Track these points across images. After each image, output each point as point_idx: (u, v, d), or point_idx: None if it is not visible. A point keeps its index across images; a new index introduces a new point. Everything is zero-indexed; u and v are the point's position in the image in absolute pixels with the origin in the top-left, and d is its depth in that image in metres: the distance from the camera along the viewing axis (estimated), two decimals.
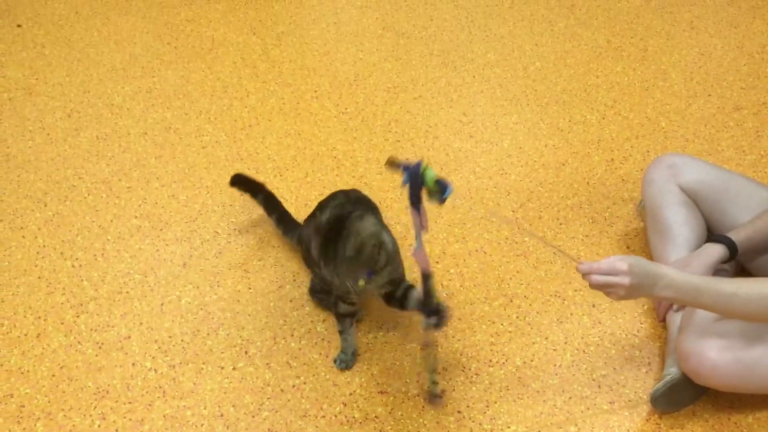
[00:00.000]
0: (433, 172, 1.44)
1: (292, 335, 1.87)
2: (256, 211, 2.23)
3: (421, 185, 1.45)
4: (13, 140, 2.49)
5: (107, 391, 1.75)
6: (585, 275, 1.45)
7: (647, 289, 1.44)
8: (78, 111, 2.63)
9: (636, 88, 2.75)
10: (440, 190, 1.44)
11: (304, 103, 2.69)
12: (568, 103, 2.68)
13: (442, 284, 2.01)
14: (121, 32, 3.06)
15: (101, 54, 2.93)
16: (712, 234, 1.91)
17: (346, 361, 1.80)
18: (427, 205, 1.49)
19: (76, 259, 2.08)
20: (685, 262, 1.80)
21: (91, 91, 2.72)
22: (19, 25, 3.08)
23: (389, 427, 1.68)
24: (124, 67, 2.85)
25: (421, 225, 1.52)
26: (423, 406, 1.72)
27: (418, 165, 1.44)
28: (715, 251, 1.77)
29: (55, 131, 2.54)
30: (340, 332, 1.79)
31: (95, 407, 1.71)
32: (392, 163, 1.48)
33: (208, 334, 1.88)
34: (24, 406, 1.72)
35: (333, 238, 1.66)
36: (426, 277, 1.58)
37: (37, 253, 2.10)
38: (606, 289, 1.44)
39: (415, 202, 1.48)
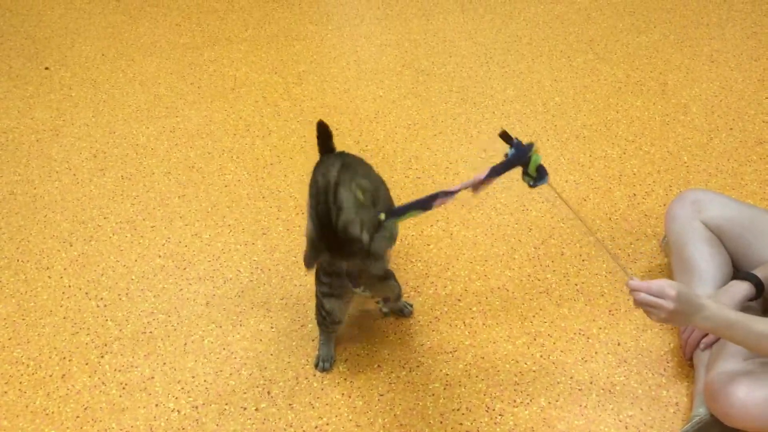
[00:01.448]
0: (539, 159, 1.55)
1: (315, 375, 1.87)
2: (278, 249, 2.24)
3: (526, 164, 1.55)
4: (39, 181, 2.54)
5: None
6: (633, 291, 1.49)
7: (687, 318, 1.48)
8: (103, 151, 2.68)
9: (656, 122, 2.75)
10: (537, 177, 1.56)
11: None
12: (588, 138, 2.68)
13: (464, 322, 2.00)
14: (146, 73, 3.12)
15: (126, 95, 2.98)
16: (738, 271, 1.88)
17: (328, 361, 1.87)
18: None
19: (101, 299, 2.10)
20: (712, 299, 1.77)
21: (116, 132, 2.77)
22: (47, 68, 3.16)
23: None
24: (149, 107, 2.91)
25: (474, 186, 1.58)
26: None
27: (530, 146, 1.55)
28: (742, 288, 1.75)
29: (81, 171, 2.58)
30: (322, 343, 1.86)
31: None
32: (505, 136, 1.57)
33: (230, 374, 1.88)
34: None
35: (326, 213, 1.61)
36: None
37: (63, 293, 2.12)
38: (649, 308, 1.48)
39: (497, 172, 1.56)
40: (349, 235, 1.51)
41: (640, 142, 2.65)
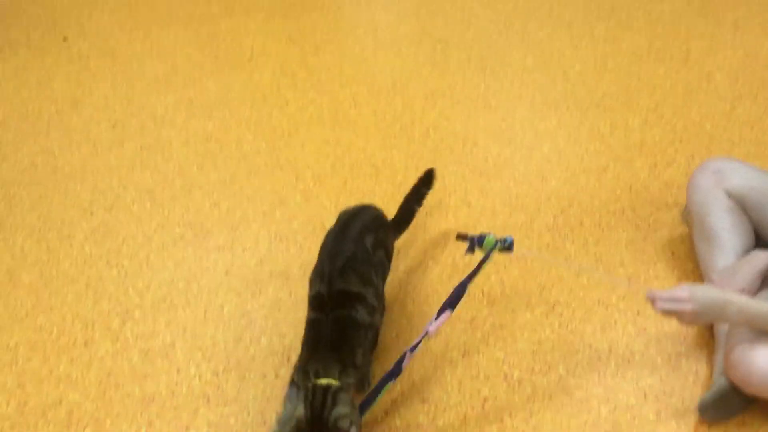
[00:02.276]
0: (492, 240, 1.75)
1: None
2: (296, 218, 2.25)
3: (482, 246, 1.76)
4: (60, 152, 2.56)
5: (153, 398, 1.78)
6: (651, 302, 1.54)
7: (717, 315, 1.52)
8: (122, 122, 2.69)
9: (679, 90, 2.71)
10: (499, 245, 1.75)
11: (342, 111, 2.71)
12: (609, 108, 2.64)
13: (482, 291, 2.00)
14: (163, 44, 3.12)
15: (144, 65, 2.99)
16: (760, 240, 1.86)
17: None
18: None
19: (122, 267, 2.12)
20: (733, 269, 1.76)
21: (134, 103, 2.78)
22: (65, 39, 3.16)
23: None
24: (166, 78, 2.91)
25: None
26: (465, 415, 1.71)
27: (481, 237, 1.77)
28: (764, 258, 1.73)
29: (100, 142, 2.59)
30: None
31: (142, 414, 1.74)
32: (461, 237, 1.79)
33: (250, 341, 1.90)
34: (73, 413, 1.75)
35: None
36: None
37: (84, 261, 2.14)
38: (673, 315, 1.53)
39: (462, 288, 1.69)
40: (340, 430, 1.47)
41: (662, 111, 2.61)
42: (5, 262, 2.15)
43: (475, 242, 1.77)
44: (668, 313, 1.53)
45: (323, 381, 1.51)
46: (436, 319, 1.65)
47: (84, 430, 1.72)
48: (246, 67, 2.95)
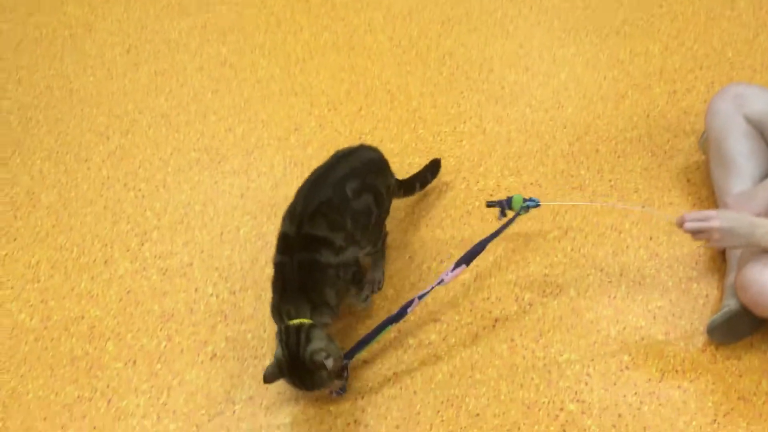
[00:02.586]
0: (519, 198, 1.75)
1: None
2: (311, 144, 2.25)
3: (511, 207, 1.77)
4: (75, 76, 2.56)
5: (172, 315, 1.83)
6: (680, 225, 1.56)
7: (745, 236, 1.54)
8: (136, 47, 2.67)
9: (701, 17, 2.64)
10: (526, 205, 1.75)
11: (357, 37, 2.67)
12: (629, 34, 2.59)
13: (496, 216, 2.01)
14: None
15: None
16: None
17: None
18: None
19: (139, 190, 2.15)
20: (749, 194, 1.75)
21: (148, 27, 2.76)
22: None
23: (443, 353, 1.71)
24: (180, 2, 2.87)
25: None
26: (476, 334, 1.75)
27: (509, 199, 1.77)
28: None
29: (115, 66, 2.59)
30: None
31: (161, 329, 1.80)
32: (491, 204, 1.79)
33: (266, 262, 1.93)
34: (95, 327, 1.81)
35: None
36: None
37: (102, 184, 2.17)
38: (700, 235, 1.55)
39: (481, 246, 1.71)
40: (316, 364, 1.49)
41: (683, 38, 2.55)
42: (24, 183, 2.18)
43: (504, 206, 1.77)
44: (696, 232, 1.55)
45: (295, 321, 1.54)
46: (452, 271, 1.66)
47: (106, 343, 1.77)
48: None
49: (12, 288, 1.90)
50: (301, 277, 1.57)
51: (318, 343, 1.51)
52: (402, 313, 1.65)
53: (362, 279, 1.73)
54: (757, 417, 1.58)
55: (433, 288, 1.66)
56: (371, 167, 1.78)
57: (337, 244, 1.62)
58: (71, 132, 2.34)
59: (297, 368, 1.50)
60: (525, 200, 1.76)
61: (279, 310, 1.58)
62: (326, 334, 1.56)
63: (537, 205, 1.76)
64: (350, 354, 1.64)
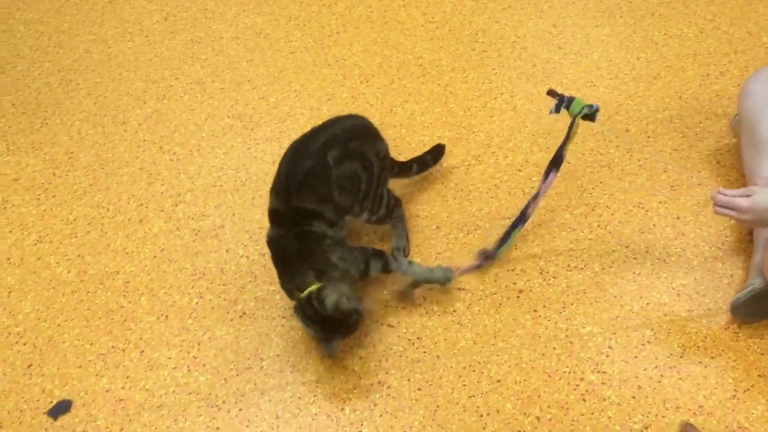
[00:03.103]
0: (580, 102, 1.73)
1: (377, 231, 1.95)
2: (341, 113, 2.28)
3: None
4: (113, 41, 2.61)
5: (203, 273, 1.88)
6: (712, 197, 1.58)
7: None
8: (174, 15, 2.72)
9: (738, 1, 2.62)
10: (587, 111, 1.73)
11: (391, 11, 2.69)
12: (664, 16, 2.58)
13: (523, 191, 2.03)
14: None
15: None
16: None
17: None
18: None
19: (174, 153, 2.20)
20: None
21: None
22: None
23: (467, 321, 1.75)
24: None
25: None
26: (500, 304, 1.78)
27: (570, 99, 1.74)
28: None
29: (152, 33, 2.63)
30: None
31: (193, 287, 1.85)
32: (552, 93, 1.78)
33: None
34: (129, 282, 1.87)
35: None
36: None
37: (138, 146, 2.22)
38: (729, 211, 1.55)
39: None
40: (345, 313, 1.54)
41: (719, 21, 2.54)
42: (64, 142, 2.24)
43: (563, 102, 1.73)
44: (724, 206, 1.56)
45: (305, 294, 1.57)
46: (544, 182, 1.77)
47: (140, 298, 1.83)
48: None
49: (51, 242, 1.96)
50: (299, 247, 1.60)
51: (331, 297, 1.54)
52: (524, 217, 1.81)
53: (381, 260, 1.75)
54: None
55: (540, 192, 1.78)
56: (354, 133, 1.75)
57: (327, 216, 1.62)
58: (109, 95, 2.39)
59: (332, 325, 1.55)
60: (584, 106, 1.72)
61: (288, 288, 1.62)
62: (336, 284, 1.58)
63: (595, 112, 1.73)
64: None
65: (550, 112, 1.77)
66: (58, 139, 2.26)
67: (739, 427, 1.55)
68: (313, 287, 1.57)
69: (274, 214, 1.64)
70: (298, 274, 1.60)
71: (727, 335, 1.70)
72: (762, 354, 1.66)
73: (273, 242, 1.64)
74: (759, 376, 1.63)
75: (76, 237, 1.98)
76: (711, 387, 1.61)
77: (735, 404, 1.59)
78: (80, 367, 1.70)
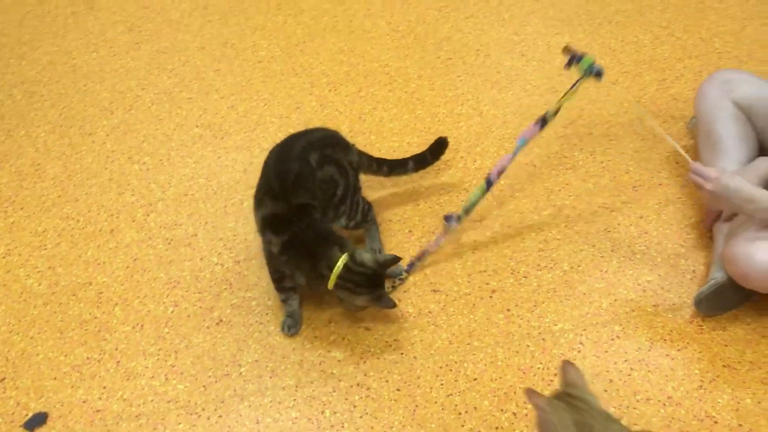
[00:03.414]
0: (592, 59, 1.81)
1: (351, 235, 1.97)
2: (312, 122, 2.30)
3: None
4: (77, 52, 2.59)
5: (178, 282, 1.87)
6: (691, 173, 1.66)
7: (735, 206, 1.62)
8: (138, 26, 2.71)
9: (691, 9, 2.73)
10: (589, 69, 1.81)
11: (356, 20, 2.73)
12: (621, 24, 2.67)
13: (492, 194, 2.08)
14: None
15: None
16: (764, 150, 1.93)
17: (292, 325, 1.79)
18: None
19: (144, 163, 2.19)
20: (737, 175, 1.83)
21: (149, 7, 2.79)
22: None
23: (442, 322, 1.78)
24: None
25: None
26: (474, 304, 1.82)
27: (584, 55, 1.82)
28: (767, 164, 1.80)
29: (117, 44, 2.62)
30: (283, 301, 1.80)
31: (168, 296, 1.84)
32: (567, 51, 1.85)
33: None
34: (102, 293, 1.85)
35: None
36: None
37: (107, 157, 2.21)
38: (698, 178, 1.64)
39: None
40: (388, 262, 1.68)
41: (673, 29, 2.64)
42: (30, 154, 2.22)
43: (574, 59, 1.83)
44: (694, 183, 1.65)
45: (340, 266, 1.60)
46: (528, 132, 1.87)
47: (114, 308, 1.82)
48: None
49: (20, 254, 1.94)
50: (317, 232, 1.65)
51: (365, 254, 1.65)
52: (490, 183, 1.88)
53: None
54: (740, 384, 1.66)
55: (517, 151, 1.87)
56: (327, 141, 1.83)
57: (319, 211, 1.70)
58: (75, 106, 2.37)
59: (379, 280, 1.65)
60: (593, 65, 1.80)
61: (316, 276, 1.64)
62: (352, 248, 1.66)
63: (599, 75, 1.80)
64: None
65: (564, 67, 1.85)
66: (23, 151, 2.23)
67: (707, 416, 1.61)
68: (344, 258, 1.61)
69: (273, 220, 1.67)
70: (326, 256, 1.63)
71: (692, 328, 1.76)
72: (725, 345, 1.73)
73: (288, 245, 1.66)
74: (723, 366, 1.69)
75: (45, 249, 1.95)
76: (678, 378, 1.67)
77: (702, 394, 1.65)
78: (55, 378, 1.68)
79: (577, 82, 1.83)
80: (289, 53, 2.58)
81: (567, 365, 1.33)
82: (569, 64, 1.84)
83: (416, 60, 2.55)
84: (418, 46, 2.61)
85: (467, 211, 1.90)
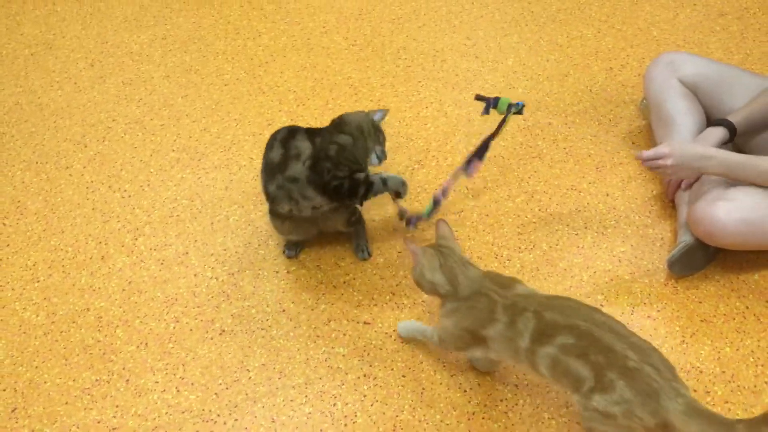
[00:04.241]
0: (507, 100, 1.92)
1: (337, 240, 2.04)
2: None
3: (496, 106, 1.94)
4: (42, 91, 2.61)
5: (176, 299, 1.91)
6: (641, 162, 1.77)
7: (697, 168, 1.76)
8: (99, 60, 2.74)
9: (626, 2, 2.91)
10: (511, 107, 1.92)
11: (314, 38, 2.82)
12: (564, 21, 2.83)
13: (467, 187, 2.18)
14: None
15: (111, 7, 3.02)
16: (711, 122, 2.09)
17: (291, 248, 2.02)
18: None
19: (125, 190, 2.22)
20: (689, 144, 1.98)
21: (109, 42, 2.83)
22: None
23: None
24: (136, 17, 2.96)
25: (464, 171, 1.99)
26: None
27: (496, 98, 1.93)
28: (717, 133, 1.95)
29: (81, 80, 2.65)
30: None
31: (168, 312, 1.88)
32: (479, 98, 1.95)
33: (259, 245, 2.04)
34: (102, 317, 1.88)
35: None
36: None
37: (87, 188, 2.23)
38: (657, 171, 1.77)
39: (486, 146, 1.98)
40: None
41: (613, 21, 2.81)
42: (8, 193, 2.23)
43: (490, 104, 1.93)
44: (653, 170, 1.77)
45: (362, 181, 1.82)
46: (466, 169, 1.96)
47: (115, 330, 1.84)
48: (214, 3, 3.02)
49: (13, 289, 1.95)
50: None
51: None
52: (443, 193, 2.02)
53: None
54: (718, 335, 1.79)
55: (455, 177, 1.99)
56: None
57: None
58: (47, 143, 2.39)
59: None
60: (510, 104, 1.91)
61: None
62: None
63: (522, 108, 1.91)
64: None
65: (481, 114, 1.96)
66: (1, 190, 2.24)
67: (693, 367, 1.73)
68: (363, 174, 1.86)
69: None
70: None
71: (668, 290, 1.89)
72: (700, 302, 1.86)
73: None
74: (701, 321, 1.82)
75: (38, 281, 1.97)
76: (662, 336, 1.79)
77: (685, 348, 1.77)
78: (67, 403, 1.69)
79: (502, 123, 1.94)
80: (254, 74, 2.66)
81: (440, 223, 1.67)
82: (487, 110, 1.95)
83: (377, 70, 2.65)
84: (377, 57, 2.71)
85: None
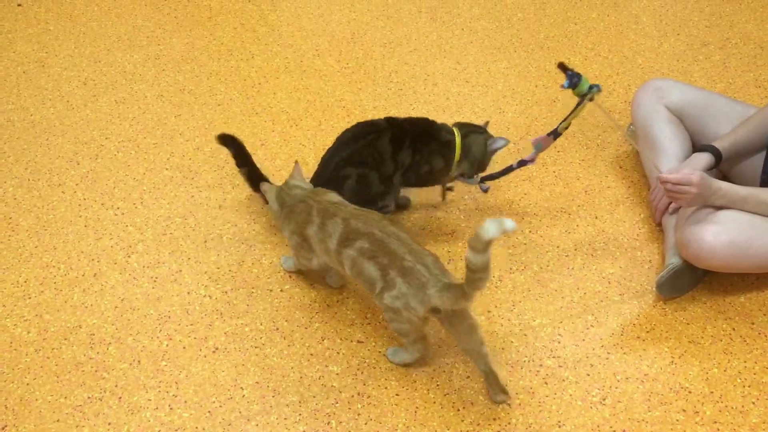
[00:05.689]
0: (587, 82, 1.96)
1: None
2: (278, 157, 2.40)
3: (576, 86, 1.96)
4: (34, 108, 2.61)
5: (169, 317, 1.91)
6: (662, 182, 1.81)
7: (706, 199, 1.82)
8: (93, 79, 2.75)
9: (612, 31, 2.99)
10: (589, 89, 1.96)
11: (307, 61, 2.86)
12: (552, 48, 2.90)
13: (459, 208, 2.21)
14: (120, 5, 3.18)
15: (105, 27, 3.04)
16: (697, 147, 2.14)
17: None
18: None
19: (117, 208, 2.23)
20: (676, 170, 2.02)
21: (101, 61, 2.84)
22: (19, 5, 3.17)
23: (429, 329, 1.87)
24: (129, 37, 2.98)
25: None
26: None
27: (580, 76, 1.95)
28: (703, 158, 2.00)
29: (74, 98, 2.66)
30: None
31: (161, 330, 1.88)
32: (562, 67, 1.98)
33: (253, 263, 2.05)
34: (94, 334, 1.87)
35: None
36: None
37: (79, 205, 2.23)
38: (676, 195, 1.81)
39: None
40: None
41: (599, 49, 2.88)
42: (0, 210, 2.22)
43: (573, 79, 1.95)
44: (673, 193, 1.81)
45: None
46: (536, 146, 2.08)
47: (107, 347, 1.84)
48: (207, 25, 3.05)
49: (4, 306, 1.93)
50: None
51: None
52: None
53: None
54: (706, 356, 1.83)
55: (526, 163, 2.11)
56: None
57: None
58: (39, 160, 2.39)
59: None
60: (592, 85, 1.96)
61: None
62: None
63: (592, 99, 1.97)
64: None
65: (562, 87, 1.97)
66: None
67: (681, 388, 1.76)
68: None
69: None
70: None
71: (656, 311, 1.92)
72: (688, 324, 1.90)
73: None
74: (689, 342, 1.85)
75: (30, 298, 1.96)
76: (651, 357, 1.82)
77: (674, 369, 1.80)
78: (58, 421, 1.68)
79: (578, 105, 2.00)
80: (247, 95, 2.68)
81: (296, 165, 1.95)
82: (570, 83, 1.95)
83: (369, 93, 2.69)
84: (369, 80, 2.75)
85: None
